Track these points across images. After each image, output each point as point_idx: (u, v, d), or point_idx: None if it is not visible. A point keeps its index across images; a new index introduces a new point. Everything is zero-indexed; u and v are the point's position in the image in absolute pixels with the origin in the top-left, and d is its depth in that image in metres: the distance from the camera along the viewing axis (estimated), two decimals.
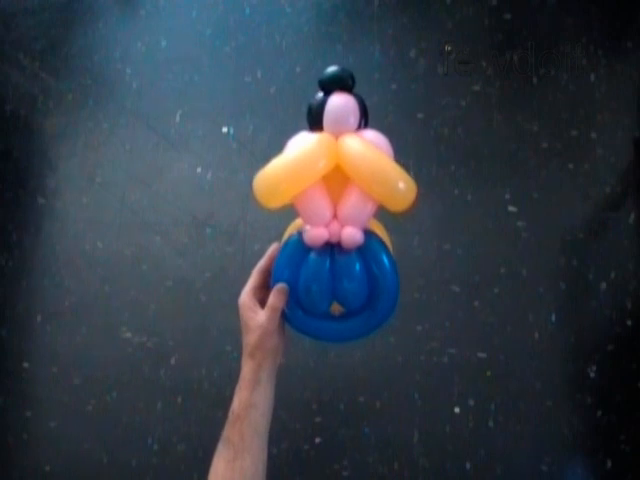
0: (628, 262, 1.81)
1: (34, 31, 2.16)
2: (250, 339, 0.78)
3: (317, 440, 1.69)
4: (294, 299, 0.79)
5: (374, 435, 1.68)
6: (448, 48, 2.02)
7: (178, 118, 2.02)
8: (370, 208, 0.75)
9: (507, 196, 1.88)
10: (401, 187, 0.73)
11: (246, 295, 0.80)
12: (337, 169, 0.73)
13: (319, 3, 2.14)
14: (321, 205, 0.74)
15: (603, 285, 1.79)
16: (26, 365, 1.82)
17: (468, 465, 1.65)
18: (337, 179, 0.73)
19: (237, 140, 1.99)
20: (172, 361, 1.76)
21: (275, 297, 0.78)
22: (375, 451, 1.67)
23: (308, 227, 0.76)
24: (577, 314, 1.79)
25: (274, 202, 0.74)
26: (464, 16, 2.07)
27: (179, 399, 1.74)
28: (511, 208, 1.87)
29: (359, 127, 0.75)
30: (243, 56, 2.09)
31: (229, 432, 0.78)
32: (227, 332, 1.74)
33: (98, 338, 1.82)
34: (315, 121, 0.75)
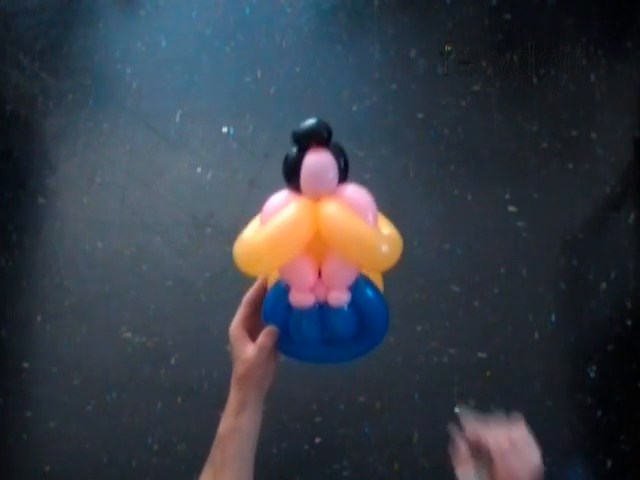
0: (628, 262, 1.81)
1: (34, 31, 2.16)
2: (238, 370, 0.80)
3: (317, 440, 1.69)
4: (285, 332, 0.80)
5: (374, 435, 1.68)
6: (448, 48, 2.02)
7: (178, 118, 2.02)
8: (354, 271, 0.75)
9: (507, 196, 1.88)
10: (384, 251, 0.73)
11: (236, 326, 0.82)
12: (318, 231, 0.73)
13: (319, 3, 2.14)
14: (304, 271, 0.74)
15: (603, 285, 1.79)
16: (26, 365, 1.82)
17: None
18: (318, 239, 0.72)
19: (237, 140, 1.99)
20: (172, 361, 1.76)
21: (265, 337, 0.80)
22: (375, 451, 1.67)
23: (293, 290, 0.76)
24: (577, 314, 1.79)
25: (257, 273, 0.77)
26: (464, 16, 2.07)
27: (179, 399, 1.74)
28: (511, 208, 1.87)
29: (340, 180, 0.73)
30: (243, 56, 2.09)
31: (213, 453, 0.80)
32: (227, 332, 1.73)
33: (98, 338, 1.82)
34: (292, 178, 0.73)
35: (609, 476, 1.65)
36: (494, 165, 1.92)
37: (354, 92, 2.01)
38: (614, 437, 1.67)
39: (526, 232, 1.84)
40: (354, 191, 0.73)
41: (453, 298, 1.79)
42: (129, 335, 1.81)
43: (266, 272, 0.77)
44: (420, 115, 1.97)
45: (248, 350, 0.79)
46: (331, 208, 0.71)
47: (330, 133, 0.71)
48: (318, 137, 0.70)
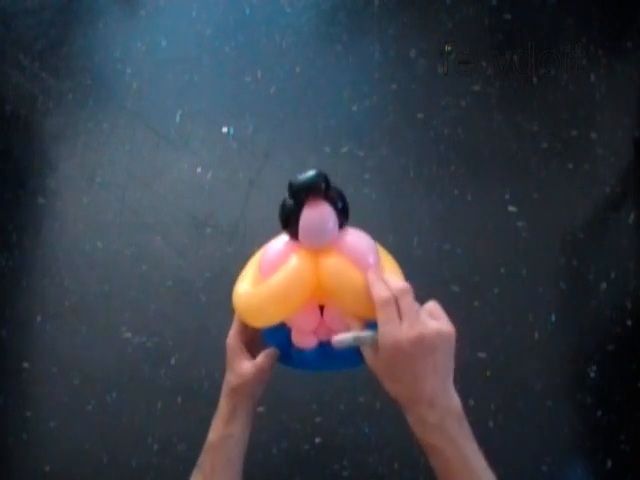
0: (628, 262, 1.81)
1: (34, 31, 2.16)
2: (232, 381, 0.79)
3: (317, 440, 1.69)
4: (284, 350, 0.79)
5: (374, 435, 1.68)
6: (448, 48, 2.02)
7: (178, 118, 2.02)
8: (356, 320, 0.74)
9: (507, 196, 1.88)
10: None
11: (232, 339, 0.80)
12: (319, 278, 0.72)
13: (319, 3, 2.14)
14: (307, 318, 0.74)
15: (603, 285, 1.79)
16: (26, 365, 1.82)
17: None
18: (319, 284, 0.72)
19: (237, 140, 1.99)
20: (172, 361, 1.76)
21: (264, 359, 0.78)
22: (375, 451, 1.67)
23: (294, 330, 0.76)
24: (577, 314, 1.79)
25: (261, 326, 0.77)
26: (464, 16, 2.07)
27: (179, 399, 1.74)
28: (511, 208, 1.87)
29: (341, 223, 0.72)
30: (243, 56, 2.09)
31: (202, 460, 0.79)
32: (227, 332, 1.73)
33: (98, 338, 1.82)
34: (288, 227, 0.72)
35: (609, 476, 1.65)
36: (494, 165, 1.92)
37: (354, 92, 2.01)
38: (614, 437, 1.67)
39: (526, 232, 1.84)
40: (353, 238, 0.73)
41: (453, 298, 1.79)
42: (129, 335, 1.81)
43: (270, 324, 0.76)
44: (420, 115, 1.97)
45: (245, 366, 0.78)
46: (330, 262, 0.71)
47: (328, 184, 0.70)
48: (315, 191, 0.69)
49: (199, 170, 1.96)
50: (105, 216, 1.94)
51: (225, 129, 2.00)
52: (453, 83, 1.99)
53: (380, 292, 0.67)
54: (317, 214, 0.70)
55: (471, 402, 1.68)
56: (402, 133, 1.95)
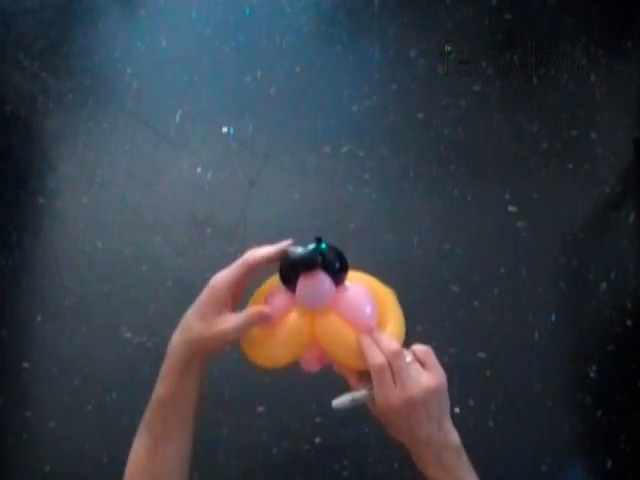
0: (628, 262, 1.81)
1: (34, 31, 2.16)
2: (199, 329, 0.70)
3: (317, 440, 1.69)
4: None
5: (374, 435, 1.68)
6: (448, 48, 2.02)
7: (178, 118, 2.02)
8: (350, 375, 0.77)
9: (507, 196, 1.88)
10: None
11: (223, 284, 0.71)
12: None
13: (319, 3, 2.14)
14: (309, 357, 0.77)
15: (603, 285, 1.79)
16: (26, 365, 1.81)
17: None
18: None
19: (237, 140, 1.99)
20: None
21: (253, 316, 0.71)
22: (375, 451, 1.67)
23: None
24: (577, 314, 1.79)
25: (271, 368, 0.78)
26: (464, 16, 2.07)
27: None
28: (511, 208, 1.87)
29: (339, 281, 0.74)
30: (243, 56, 2.09)
31: (150, 418, 0.74)
32: None
33: (98, 338, 1.82)
34: (287, 285, 0.74)
35: (609, 476, 1.65)
36: (494, 165, 1.92)
37: (354, 92, 2.01)
38: (614, 437, 1.67)
39: (526, 232, 1.84)
40: (350, 297, 0.75)
41: (453, 298, 1.79)
42: (129, 335, 1.81)
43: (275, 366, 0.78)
44: (420, 115, 1.97)
45: (227, 318, 0.70)
46: (325, 321, 0.73)
47: (324, 256, 0.71)
48: (311, 266, 0.71)
49: (199, 170, 1.96)
50: (105, 216, 1.94)
51: (225, 129, 2.00)
52: (453, 83, 1.99)
53: (373, 359, 0.69)
54: (312, 284, 0.72)
55: (471, 402, 1.69)
56: (402, 133, 1.95)
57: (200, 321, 0.71)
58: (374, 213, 1.86)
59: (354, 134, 1.96)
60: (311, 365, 0.77)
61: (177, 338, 0.73)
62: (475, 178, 1.90)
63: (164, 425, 0.73)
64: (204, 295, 0.72)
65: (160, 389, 0.73)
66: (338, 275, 0.74)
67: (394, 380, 0.68)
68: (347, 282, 0.76)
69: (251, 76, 2.05)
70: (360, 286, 0.77)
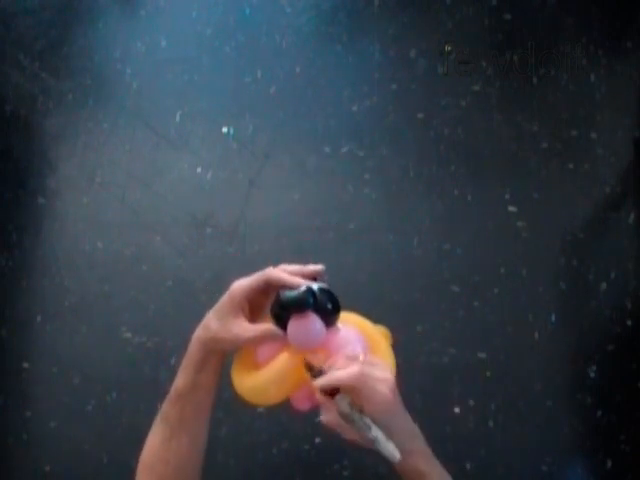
0: (628, 262, 1.81)
1: (34, 31, 2.16)
2: (217, 332, 0.74)
3: (317, 440, 1.69)
4: None
5: None
6: (448, 48, 2.02)
7: (178, 118, 2.02)
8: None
9: (507, 196, 1.88)
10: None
11: (243, 292, 0.74)
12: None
13: (319, 3, 2.14)
14: (300, 395, 0.78)
15: (603, 285, 1.79)
16: (26, 365, 1.82)
17: (468, 465, 1.65)
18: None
19: (237, 140, 1.99)
20: (172, 361, 1.76)
21: (267, 332, 0.74)
22: (375, 451, 1.67)
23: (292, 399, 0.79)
24: (577, 314, 1.79)
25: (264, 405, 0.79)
26: (464, 16, 2.07)
27: None
28: (511, 208, 1.87)
29: (330, 322, 0.75)
30: (243, 56, 2.09)
31: (167, 409, 0.76)
32: None
33: (98, 338, 1.82)
34: (278, 325, 0.74)
35: (609, 476, 1.65)
36: (494, 165, 1.92)
37: (354, 92, 2.01)
38: (614, 437, 1.67)
39: (526, 232, 1.84)
40: (340, 338, 0.75)
41: (453, 298, 1.79)
42: (129, 335, 1.81)
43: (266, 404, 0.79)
44: (420, 115, 1.97)
45: (243, 325, 0.73)
46: (315, 362, 0.74)
47: (316, 298, 0.72)
48: (302, 308, 0.72)
49: (199, 170, 1.97)
50: (105, 216, 1.94)
51: (225, 129, 2.00)
52: (453, 83, 1.99)
53: (348, 374, 0.70)
54: (303, 325, 0.72)
55: (471, 402, 1.69)
56: (402, 133, 1.95)
57: (217, 321, 0.75)
58: (374, 213, 1.86)
59: (354, 134, 1.96)
60: (301, 404, 0.78)
61: (197, 335, 0.76)
62: (475, 178, 1.90)
63: (180, 416, 0.75)
64: (223, 298, 0.76)
65: (178, 382, 0.76)
66: (330, 317, 0.74)
67: (375, 378, 0.70)
68: (339, 324, 0.76)
69: (251, 76, 2.05)
70: (351, 328, 0.77)
